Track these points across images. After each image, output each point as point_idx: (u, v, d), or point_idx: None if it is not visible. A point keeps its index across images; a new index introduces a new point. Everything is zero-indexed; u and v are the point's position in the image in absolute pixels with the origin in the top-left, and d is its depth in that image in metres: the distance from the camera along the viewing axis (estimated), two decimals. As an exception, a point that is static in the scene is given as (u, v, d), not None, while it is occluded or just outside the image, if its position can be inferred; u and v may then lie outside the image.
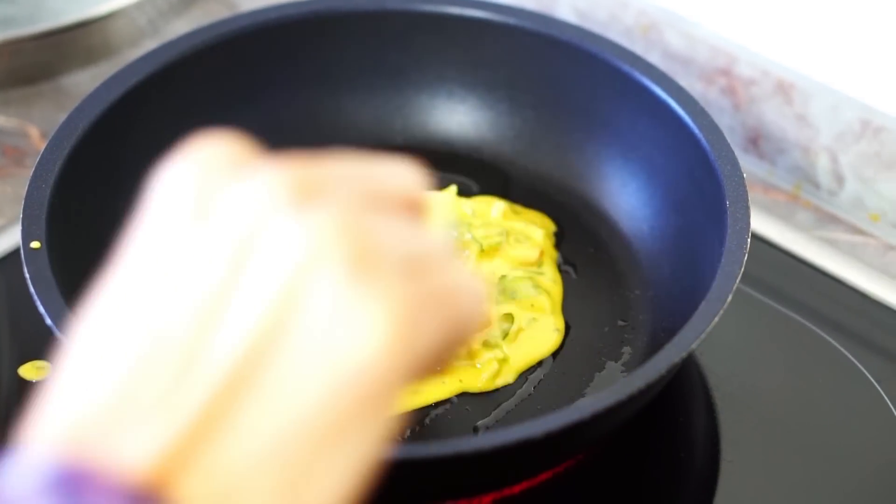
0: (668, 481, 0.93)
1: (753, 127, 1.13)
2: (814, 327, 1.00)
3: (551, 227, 1.04)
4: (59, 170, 0.92)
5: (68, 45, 1.22)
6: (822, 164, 1.11)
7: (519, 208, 1.06)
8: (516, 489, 0.88)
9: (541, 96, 1.07)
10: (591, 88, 1.04)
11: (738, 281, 0.86)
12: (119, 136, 0.99)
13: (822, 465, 0.93)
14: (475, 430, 0.92)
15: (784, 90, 1.11)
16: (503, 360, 0.94)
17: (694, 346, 0.84)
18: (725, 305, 0.85)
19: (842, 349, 0.99)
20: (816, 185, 1.12)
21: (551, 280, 1.00)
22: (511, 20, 1.05)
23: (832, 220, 1.11)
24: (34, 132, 1.17)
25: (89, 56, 1.23)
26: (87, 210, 0.96)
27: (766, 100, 1.12)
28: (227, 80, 1.05)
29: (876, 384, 0.97)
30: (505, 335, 0.96)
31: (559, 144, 1.07)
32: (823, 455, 0.94)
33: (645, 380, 0.82)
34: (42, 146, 1.07)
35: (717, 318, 0.85)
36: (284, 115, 1.07)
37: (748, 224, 0.90)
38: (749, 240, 0.89)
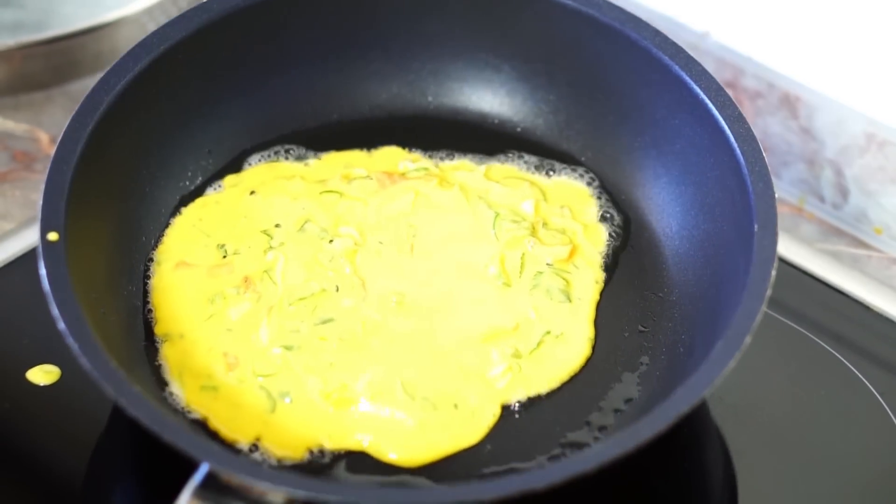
0: (674, 492, 0.93)
1: (759, 139, 1.13)
2: (817, 339, 1.01)
3: (592, 210, 1.02)
4: (78, 154, 0.91)
5: (78, 50, 1.22)
6: (827, 177, 1.11)
7: (558, 182, 1.04)
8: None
9: (578, 73, 1.04)
10: (629, 73, 1.01)
11: (752, 333, 0.85)
12: (143, 108, 0.98)
13: (824, 475, 0.93)
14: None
15: (790, 103, 1.11)
16: (517, 372, 0.93)
17: (693, 405, 0.83)
18: (733, 362, 0.84)
19: (844, 361, 0.99)
20: (821, 198, 1.12)
21: (592, 280, 0.98)
22: None
23: (836, 232, 1.11)
24: (44, 137, 1.17)
25: (98, 62, 1.23)
26: (105, 190, 0.95)
27: (772, 113, 1.12)
28: (256, 48, 1.03)
29: (878, 396, 0.97)
30: (533, 349, 0.94)
31: (594, 124, 1.05)
32: (825, 465, 0.94)
33: (635, 441, 0.81)
34: (51, 151, 1.08)
35: (722, 376, 0.84)
36: (318, 80, 1.06)
37: (774, 253, 0.88)
38: (774, 272, 0.87)
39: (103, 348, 0.83)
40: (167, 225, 0.99)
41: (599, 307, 0.97)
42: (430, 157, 1.05)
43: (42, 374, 0.96)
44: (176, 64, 0.99)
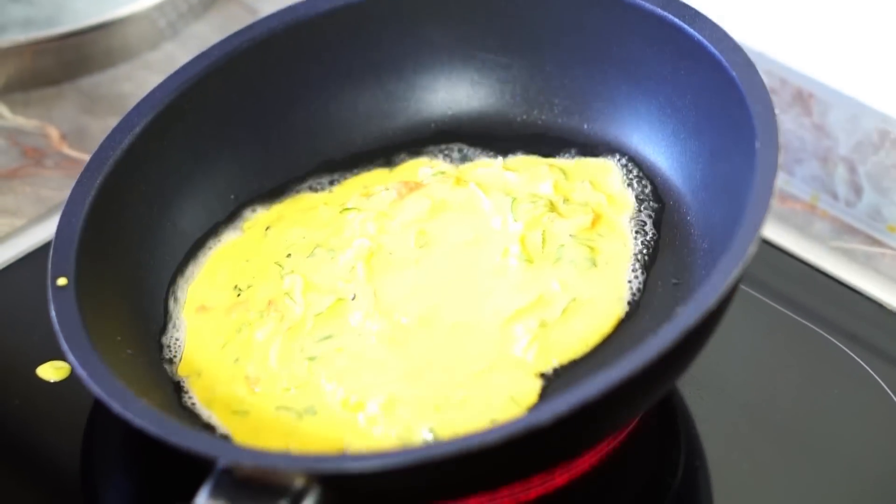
0: (681, 487, 0.93)
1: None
2: (829, 337, 1.00)
3: (617, 179, 1.01)
4: (88, 207, 0.92)
5: (88, 46, 1.22)
6: (840, 175, 1.11)
7: (580, 161, 1.03)
8: (532, 495, 0.88)
9: (585, 52, 1.04)
10: (631, 36, 1.01)
11: (740, 273, 0.82)
12: (156, 160, 0.98)
13: (837, 474, 0.93)
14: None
15: (803, 100, 1.11)
16: (544, 340, 0.91)
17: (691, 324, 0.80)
18: (735, 276, 0.81)
19: (857, 359, 0.99)
20: (834, 196, 1.12)
21: (619, 244, 0.96)
22: None
23: (849, 230, 1.11)
24: (54, 133, 1.17)
25: (109, 58, 1.23)
26: (119, 240, 0.95)
27: (785, 109, 1.12)
28: (266, 88, 1.03)
29: (892, 394, 0.97)
30: (559, 317, 0.91)
31: (610, 99, 1.04)
32: (838, 464, 0.94)
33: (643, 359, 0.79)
34: (62, 147, 1.08)
35: (729, 282, 0.81)
36: (335, 109, 1.06)
37: (776, 167, 0.85)
38: (776, 185, 0.85)
39: (116, 376, 0.84)
40: (193, 269, 0.99)
41: (630, 269, 0.95)
42: (452, 162, 1.05)
43: (52, 371, 0.96)
44: (184, 114, 0.99)
